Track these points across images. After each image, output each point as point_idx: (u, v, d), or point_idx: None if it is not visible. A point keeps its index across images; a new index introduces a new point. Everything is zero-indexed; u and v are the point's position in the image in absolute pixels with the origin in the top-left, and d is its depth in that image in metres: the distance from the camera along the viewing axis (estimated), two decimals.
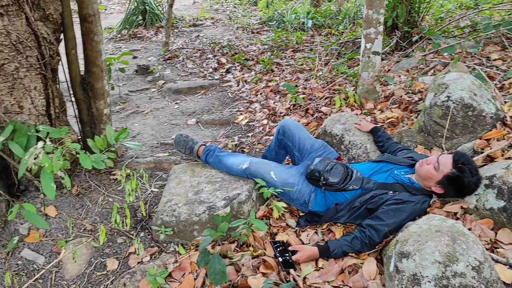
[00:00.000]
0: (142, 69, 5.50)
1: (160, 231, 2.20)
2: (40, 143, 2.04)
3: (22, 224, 2.31)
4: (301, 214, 2.46)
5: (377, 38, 3.39)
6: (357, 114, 3.34)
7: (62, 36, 2.60)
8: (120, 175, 2.82)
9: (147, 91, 4.99)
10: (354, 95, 3.56)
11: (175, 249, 2.22)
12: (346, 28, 6.50)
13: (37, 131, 2.21)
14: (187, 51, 6.38)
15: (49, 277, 2.08)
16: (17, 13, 1.81)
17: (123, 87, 5.05)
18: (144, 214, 2.38)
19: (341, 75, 4.28)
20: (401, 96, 3.47)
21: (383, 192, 2.15)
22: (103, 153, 2.55)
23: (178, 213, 2.25)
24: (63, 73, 2.75)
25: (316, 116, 3.61)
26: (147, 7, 7.96)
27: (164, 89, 4.95)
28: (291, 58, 5.53)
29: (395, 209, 2.03)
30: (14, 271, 2.10)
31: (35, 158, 1.99)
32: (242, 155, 2.66)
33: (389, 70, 4.31)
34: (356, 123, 2.84)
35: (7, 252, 2.18)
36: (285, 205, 2.39)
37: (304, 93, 4.10)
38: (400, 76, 3.97)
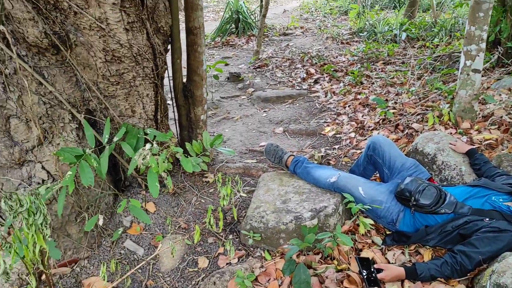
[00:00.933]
0: (234, 76, 5.73)
1: (248, 236, 2.31)
2: (148, 145, 2.24)
3: (125, 217, 2.55)
4: (387, 232, 2.43)
5: (478, 56, 3.24)
6: (451, 133, 3.22)
7: (169, 46, 2.83)
8: (213, 178, 3.00)
9: (237, 98, 5.20)
10: (449, 113, 3.43)
11: (261, 254, 2.32)
12: (442, 41, 6.24)
13: (146, 133, 2.43)
14: (276, 60, 6.53)
15: (147, 268, 2.28)
16: (140, 29, 2.03)
17: (216, 93, 5.31)
18: (235, 218, 2.51)
19: (435, 91, 4.14)
20: (501, 117, 3.29)
21: (478, 219, 2.07)
22: (198, 157, 2.73)
23: (266, 220, 2.34)
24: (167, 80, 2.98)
25: (407, 133, 3.53)
26: (240, 16, 8.27)
27: (253, 97, 5.13)
28: (382, 71, 5.43)
29: (491, 237, 1.95)
30: (117, 259, 2.32)
31: (143, 159, 2.20)
32: (330, 168, 2.70)
33: (488, 87, 4.08)
34: (451, 143, 2.75)
35: (112, 241, 2.42)
36: (372, 221, 2.38)
37: (394, 108, 4.03)
38: (500, 95, 3.75)
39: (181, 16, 5.96)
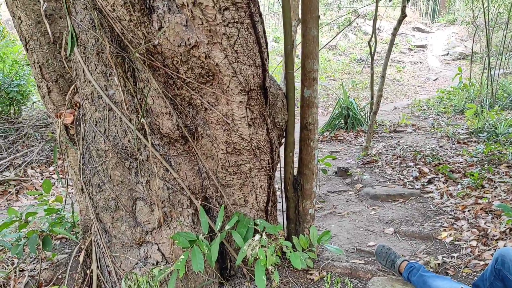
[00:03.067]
0: (342, 171, 5.69)
1: None
2: (257, 236, 2.26)
3: None
4: None
5: None
6: None
7: (283, 140, 2.94)
8: (318, 276, 2.87)
9: (344, 193, 5.11)
10: None
11: None
12: None
13: (256, 224, 2.46)
14: (386, 157, 6.39)
15: None
16: (261, 124, 2.16)
17: (323, 187, 5.29)
18: None
19: None
20: None
21: None
22: (304, 252, 2.66)
23: None
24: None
25: None
26: (350, 112, 8.41)
27: (361, 193, 4.99)
28: (506, 175, 4.98)
29: None
30: None
31: (252, 249, 2.20)
32: (450, 280, 2.43)
33: None
34: None
35: None
36: None
37: None
38: None
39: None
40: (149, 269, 2.42)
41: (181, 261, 2.18)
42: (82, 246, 2.81)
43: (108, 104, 2.16)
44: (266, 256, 2.15)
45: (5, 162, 6.16)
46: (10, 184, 5.98)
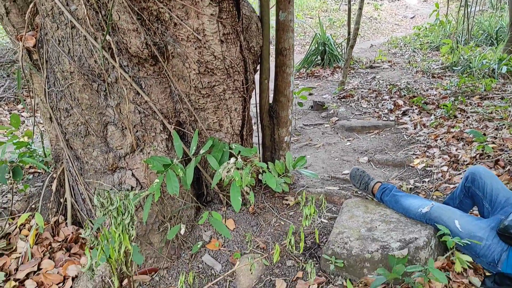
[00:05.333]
0: (318, 105, 5.68)
1: (330, 261, 2.18)
2: (233, 159, 2.24)
3: (205, 231, 2.54)
4: (487, 273, 2.17)
5: None
6: None
7: (258, 67, 2.86)
8: (293, 201, 2.92)
9: (320, 126, 5.13)
10: None
11: (342, 283, 2.17)
12: None
13: (231, 148, 2.44)
14: (362, 91, 6.39)
15: (224, 284, 2.23)
16: (234, 41, 2.07)
17: (299, 120, 5.28)
18: (317, 241, 2.39)
19: None
20: None
21: None
22: (280, 177, 2.67)
23: (349, 247, 2.20)
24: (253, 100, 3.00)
25: (509, 169, 3.20)
26: (327, 48, 8.28)
27: (337, 126, 5.02)
28: (478, 105, 5.06)
29: None
30: (195, 272, 2.30)
31: (227, 172, 2.19)
32: (421, 198, 2.50)
33: None
34: None
35: (191, 254, 2.42)
36: (470, 259, 2.14)
37: (493, 143, 3.69)
38: None
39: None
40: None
41: (156, 184, 2.15)
42: (54, 176, 2.75)
43: (70, 21, 2.02)
44: (241, 177, 2.14)
45: None
46: None
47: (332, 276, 2.23)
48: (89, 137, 2.29)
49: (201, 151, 2.35)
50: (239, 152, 2.37)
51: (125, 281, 2.03)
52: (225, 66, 2.10)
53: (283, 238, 2.55)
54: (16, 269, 2.33)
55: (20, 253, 2.44)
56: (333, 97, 6.28)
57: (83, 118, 2.23)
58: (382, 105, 5.66)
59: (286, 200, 2.97)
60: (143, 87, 2.24)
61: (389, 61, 8.82)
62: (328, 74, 7.90)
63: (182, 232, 2.10)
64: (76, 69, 2.10)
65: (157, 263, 2.36)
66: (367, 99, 6.02)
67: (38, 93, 2.61)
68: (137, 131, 2.29)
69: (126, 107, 2.21)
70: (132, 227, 1.72)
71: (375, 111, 5.48)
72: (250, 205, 2.71)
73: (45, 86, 2.29)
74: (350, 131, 4.84)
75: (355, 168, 2.83)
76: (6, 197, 3.27)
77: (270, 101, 3.08)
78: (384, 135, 4.63)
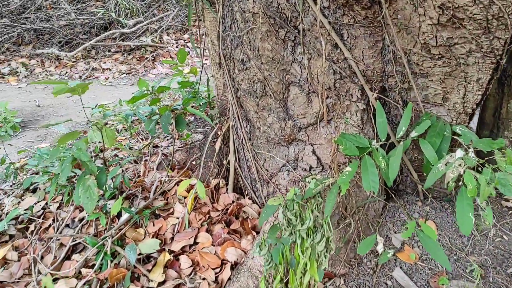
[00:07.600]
0: None
1: None
2: (459, 152, 1.53)
3: (395, 232, 1.94)
4: None
5: None
6: None
7: None
8: None
9: None
10: None
11: None
12: None
13: (454, 133, 1.71)
14: None
15: None
16: None
17: None
18: None
19: None
20: None
21: None
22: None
23: None
24: None
25: None
26: None
27: None
28: None
29: None
30: None
31: (452, 172, 1.50)
32: None
33: None
34: None
35: (376, 263, 1.85)
36: None
37: None
38: None
39: None
40: (299, 174, 1.88)
41: (348, 174, 1.57)
42: (219, 132, 2.37)
43: None
44: (476, 185, 1.43)
45: (141, 27, 5.98)
46: (147, 50, 5.84)
47: None
48: (265, 98, 1.78)
49: (413, 133, 1.67)
50: (471, 141, 1.63)
51: None
52: (487, 15, 1.32)
53: (509, 262, 1.81)
54: (172, 238, 2.06)
55: (177, 218, 2.16)
56: None
57: (261, 73, 1.71)
58: None
59: (508, 201, 2.17)
60: (345, 38, 1.60)
61: None
62: None
63: (380, 249, 1.52)
64: (261, 10, 1.55)
65: (333, 267, 1.84)
66: None
67: (209, 32, 2.17)
68: (327, 97, 1.70)
69: (318, 64, 1.62)
70: (326, 255, 1.20)
71: None
72: (489, 224, 1.99)
73: (219, 28, 1.81)
74: None
75: None
76: (167, 139, 3.07)
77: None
78: None
